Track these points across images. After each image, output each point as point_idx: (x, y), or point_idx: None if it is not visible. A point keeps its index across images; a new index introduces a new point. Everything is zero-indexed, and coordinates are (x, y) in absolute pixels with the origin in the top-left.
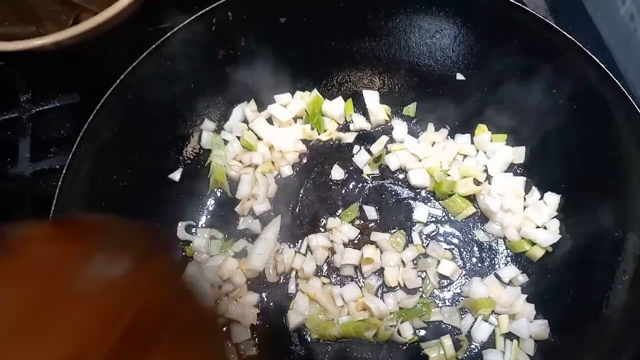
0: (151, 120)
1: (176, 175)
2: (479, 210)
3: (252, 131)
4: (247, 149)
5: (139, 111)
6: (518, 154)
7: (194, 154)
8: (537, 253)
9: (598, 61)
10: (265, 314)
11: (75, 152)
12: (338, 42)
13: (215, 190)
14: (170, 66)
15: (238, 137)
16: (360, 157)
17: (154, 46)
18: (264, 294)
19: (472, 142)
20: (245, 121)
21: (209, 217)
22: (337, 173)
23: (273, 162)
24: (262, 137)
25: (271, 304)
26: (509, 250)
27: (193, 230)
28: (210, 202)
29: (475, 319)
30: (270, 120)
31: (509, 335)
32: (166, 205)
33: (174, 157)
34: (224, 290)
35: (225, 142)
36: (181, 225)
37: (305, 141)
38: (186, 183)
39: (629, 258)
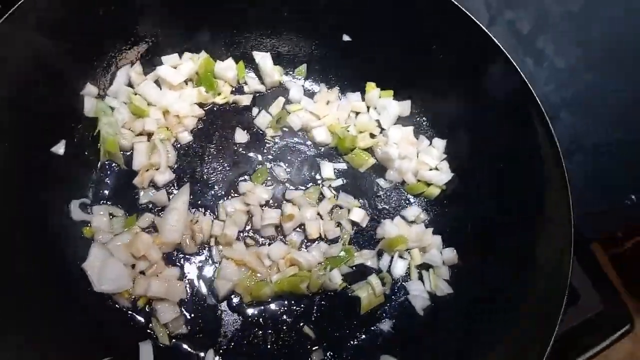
0: (22, 86)
1: (60, 149)
2: (377, 161)
3: (141, 96)
4: (137, 115)
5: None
6: (405, 107)
7: (77, 124)
8: (434, 192)
9: (473, 17)
10: (190, 287)
11: None
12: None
13: (107, 162)
14: (44, 19)
15: (125, 103)
16: (261, 119)
17: None
18: (184, 267)
19: (363, 100)
20: (131, 85)
21: (104, 192)
22: (240, 136)
23: (168, 129)
24: (153, 101)
25: (193, 276)
26: (407, 194)
27: (88, 209)
28: (104, 177)
29: (392, 257)
30: (157, 84)
31: (424, 267)
32: (54, 182)
33: (55, 129)
34: (139, 268)
35: (112, 109)
36: (74, 204)
37: (201, 105)
38: (73, 157)
39: (510, 185)
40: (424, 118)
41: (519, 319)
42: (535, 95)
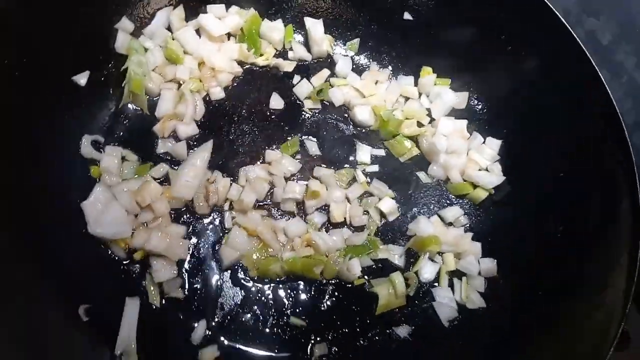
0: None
1: (82, 79)
2: (420, 152)
3: (178, 41)
4: (171, 61)
5: None
6: (461, 99)
7: (107, 59)
8: (481, 195)
9: (556, 12)
10: (193, 249)
11: None
12: None
13: (130, 104)
14: None
15: (160, 47)
16: (301, 88)
17: None
18: (191, 227)
19: (416, 85)
20: (169, 29)
21: (121, 134)
22: (276, 102)
23: (201, 81)
24: (190, 50)
25: (200, 239)
26: (449, 194)
27: (100, 148)
28: (123, 118)
29: (421, 258)
30: (197, 34)
31: (456, 274)
32: (69, 112)
33: (81, 58)
34: (142, 219)
35: (145, 49)
36: (86, 140)
37: (240, 63)
38: (94, 91)
39: (570, 200)
40: (481, 114)
41: (559, 352)
42: (617, 111)
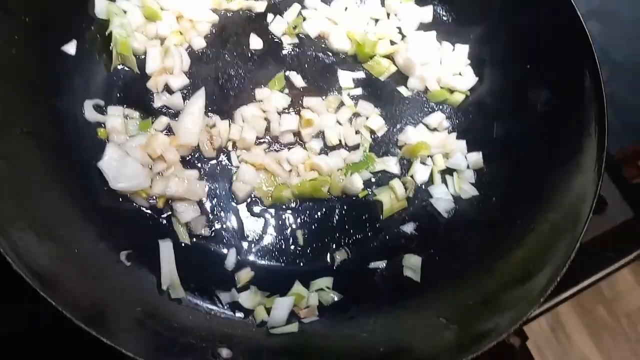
0: None
1: (71, 48)
2: (397, 69)
3: None
4: (150, 19)
5: None
6: (427, 12)
7: (89, 25)
8: (458, 98)
9: None
10: (209, 190)
11: None
12: None
13: (120, 66)
14: None
15: (138, 7)
16: (276, 26)
17: None
18: (202, 170)
19: (383, 5)
20: None
21: (118, 95)
22: (255, 43)
23: (182, 33)
24: (165, 6)
25: (213, 179)
26: (430, 102)
27: (102, 110)
28: (117, 80)
29: (414, 163)
30: None
31: (447, 172)
32: (65, 81)
33: (65, 27)
34: (156, 170)
35: (124, 11)
36: (88, 104)
37: (214, 11)
38: (85, 58)
39: (538, 88)
40: (446, 23)
41: (545, 220)
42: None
